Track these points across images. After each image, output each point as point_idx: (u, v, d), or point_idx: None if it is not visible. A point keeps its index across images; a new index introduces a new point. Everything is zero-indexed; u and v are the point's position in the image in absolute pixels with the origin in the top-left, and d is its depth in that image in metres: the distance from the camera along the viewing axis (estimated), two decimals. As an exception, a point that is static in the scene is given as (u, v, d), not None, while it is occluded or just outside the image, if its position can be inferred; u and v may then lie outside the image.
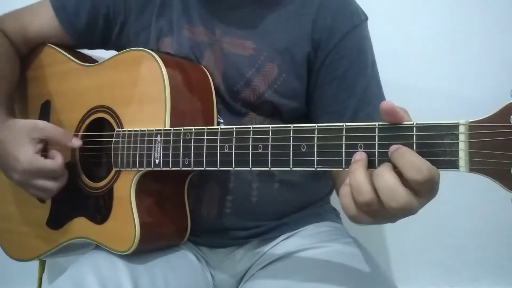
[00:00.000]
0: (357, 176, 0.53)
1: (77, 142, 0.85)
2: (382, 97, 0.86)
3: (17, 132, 0.84)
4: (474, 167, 0.49)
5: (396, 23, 1.20)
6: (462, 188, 1.16)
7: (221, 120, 0.86)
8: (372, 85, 0.86)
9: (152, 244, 0.81)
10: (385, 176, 0.51)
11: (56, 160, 0.83)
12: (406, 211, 0.52)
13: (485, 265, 1.23)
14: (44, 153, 0.85)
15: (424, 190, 0.51)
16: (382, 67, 0.88)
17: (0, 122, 0.86)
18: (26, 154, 0.81)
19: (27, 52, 0.99)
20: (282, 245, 0.87)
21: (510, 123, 0.47)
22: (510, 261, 1.21)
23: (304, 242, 0.86)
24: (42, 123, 0.85)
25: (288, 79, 0.85)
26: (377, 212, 0.53)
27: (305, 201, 0.92)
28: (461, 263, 1.24)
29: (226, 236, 0.88)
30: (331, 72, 0.84)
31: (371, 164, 0.54)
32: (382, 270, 0.80)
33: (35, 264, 1.10)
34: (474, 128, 0.49)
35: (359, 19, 0.86)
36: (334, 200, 0.98)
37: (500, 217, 1.18)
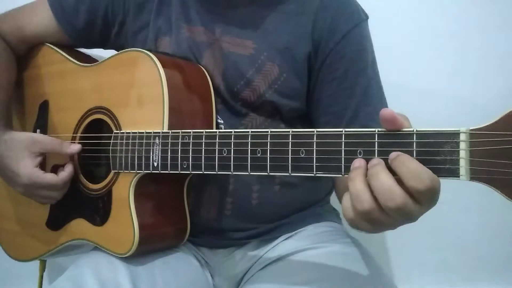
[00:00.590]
0: (356, 184, 0.53)
1: (75, 147, 0.85)
2: (382, 97, 0.85)
3: (16, 147, 0.85)
4: (475, 176, 0.48)
5: (396, 23, 1.19)
6: (462, 188, 1.15)
7: (221, 121, 0.85)
8: (372, 85, 0.85)
9: (151, 245, 0.81)
10: (381, 177, 0.51)
11: (61, 175, 0.84)
12: (405, 215, 0.52)
13: (485, 265, 1.23)
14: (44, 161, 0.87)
15: (424, 199, 0.51)
16: (382, 67, 0.87)
17: None
18: (26, 169, 0.83)
19: (24, 52, 0.99)
20: (282, 245, 0.87)
21: (512, 132, 0.46)
22: (510, 261, 1.21)
23: (304, 242, 0.85)
24: (39, 137, 0.86)
25: (289, 79, 0.84)
26: (376, 219, 0.53)
27: (305, 201, 0.92)
28: (461, 263, 1.24)
29: (225, 237, 0.88)
30: (331, 72, 0.83)
31: (371, 171, 0.54)
32: (382, 270, 0.80)
33: (36, 263, 1.10)
34: (475, 136, 0.48)
35: (359, 18, 0.85)
36: (334, 200, 0.98)
37: (500, 217, 1.18)
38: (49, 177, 0.83)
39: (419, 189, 0.49)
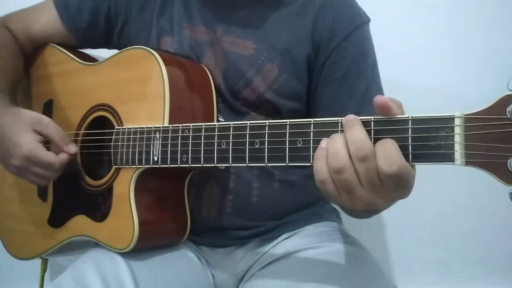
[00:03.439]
0: (336, 142, 0.53)
1: (73, 148, 0.85)
2: None
3: (21, 120, 0.85)
4: (470, 160, 0.49)
5: (396, 22, 1.20)
6: (462, 188, 1.16)
7: (222, 119, 0.86)
8: (373, 86, 0.85)
9: (151, 242, 0.81)
10: (356, 129, 0.53)
11: (60, 156, 0.84)
12: (371, 181, 0.52)
13: (484, 265, 1.23)
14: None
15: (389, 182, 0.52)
16: (382, 65, 0.88)
17: (5, 108, 0.87)
18: (28, 141, 0.83)
19: (31, 51, 1.00)
20: (282, 245, 0.87)
21: (506, 116, 0.47)
22: (509, 261, 1.20)
23: (304, 242, 0.86)
24: (46, 120, 0.86)
25: (288, 80, 0.84)
26: (347, 182, 0.53)
27: (305, 201, 0.92)
28: (461, 263, 1.24)
29: (226, 235, 0.88)
30: (331, 73, 0.84)
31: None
32: (382, 270, 0.80)
33: (37, 263, 1.10)
34: (470, 120, 0.49)
35: (360, 21, 0.85)
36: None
37: (500, 217, 1.18)
38: (50, 154, 0.83)
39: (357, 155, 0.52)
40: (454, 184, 1.15)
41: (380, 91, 0.86)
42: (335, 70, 0.83)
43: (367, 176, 0.52)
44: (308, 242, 0.85)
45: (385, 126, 0.53)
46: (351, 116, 0.55)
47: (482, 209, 1.19)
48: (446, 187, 1.15)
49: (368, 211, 0.61)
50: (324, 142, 0.55)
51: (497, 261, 1.22)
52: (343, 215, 0.96)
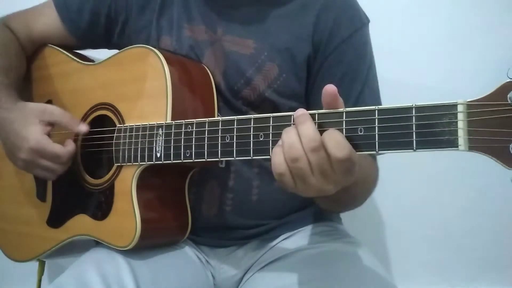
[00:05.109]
0: (291, 135, 0.58)
1: (83, 128, 0.85)
2: (375, 102, 0.86)
3: (27, 113, 0.85)
4: (473, 145, 0.49)
5: (396, 21, 1.22)
6: (462, 188, 1.16)
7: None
8: (366, 89, 0.86)
9: (152, 239, 0.81)
10: (308, 124, 0.58)
11: (67, 148, 0.84)
12: (321, 168, 0.57)
13: (484, 265, 1.23)
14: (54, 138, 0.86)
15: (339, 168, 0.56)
16: (382, 65, 0.89)
17: (12, 103, 0.87)
18: (35, 133, 0.82)
19: (31, 52, 1.01)
20: (282, 244, 0.87)
21: (508, 102, 0.48)
22: (509, 261, 1.21)
23: (304, 241, 0.86)
24: (51, 107, 0.86)
25: (288, 80, 0.85)
26: (301, 171, 0.57)
27: (305, 200, 0.91)
28: (461, 263, 1.24)
29: (226, 235, 0.88)
30: (329, 75, 0.85)
31: (372, 148, 0.55)
32: (382, 270, 0.79)
33: (35, 266, 1.09)
34: (472, 107, 0.50)
35: (360, 23, 0.86)
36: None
37: (500, 217, 1.18)
38: (57, 147, 0.83)
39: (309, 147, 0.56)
40: (454, 184, 1.15)
41: (373, 94, 0.87)
42: (332, 73, 0.84)
43: (318, 164, 0.56)
44: (308, 242, 0.85)
45: (390, 115, 0.54)
46: (300, 111, 0.59)
47: (482, 209, 1.20)
48: (446, 187, 1.16)
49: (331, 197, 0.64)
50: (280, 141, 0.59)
51: (497, 261, 1.22)
52: (344, 215, 0.97)
